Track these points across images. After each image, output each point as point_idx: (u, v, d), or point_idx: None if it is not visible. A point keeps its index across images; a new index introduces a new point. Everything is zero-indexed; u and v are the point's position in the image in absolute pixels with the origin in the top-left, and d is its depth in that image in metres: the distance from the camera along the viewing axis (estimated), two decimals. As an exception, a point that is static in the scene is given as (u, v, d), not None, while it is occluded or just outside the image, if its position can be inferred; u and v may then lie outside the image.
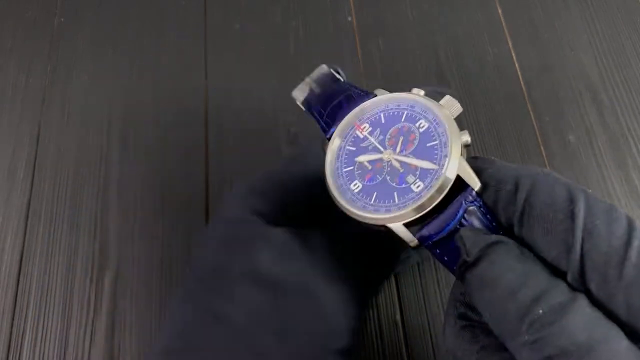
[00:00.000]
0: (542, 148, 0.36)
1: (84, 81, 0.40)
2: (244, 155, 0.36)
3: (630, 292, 0.16)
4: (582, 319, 0.16)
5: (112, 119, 0.39)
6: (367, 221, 0.21)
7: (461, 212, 0.19)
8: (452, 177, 0.20)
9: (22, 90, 0.40)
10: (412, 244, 0.20)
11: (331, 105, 0.24)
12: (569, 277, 0.17)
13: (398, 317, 0.31)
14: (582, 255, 0.17)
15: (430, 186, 0.20)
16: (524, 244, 0.19)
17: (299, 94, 0.26)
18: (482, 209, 0.19)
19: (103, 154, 0.37)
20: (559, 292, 0.17)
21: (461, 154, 0.20)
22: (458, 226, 0.19)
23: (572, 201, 0.18)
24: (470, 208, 0.19)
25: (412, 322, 0.31)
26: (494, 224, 0.19)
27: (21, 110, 0.39)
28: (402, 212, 0.20)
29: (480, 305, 0.18)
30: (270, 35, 0.41)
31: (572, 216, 0.17)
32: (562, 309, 0.16)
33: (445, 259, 0.20)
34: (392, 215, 0.20)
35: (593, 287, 0.17)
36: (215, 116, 0.38)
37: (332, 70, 0.26)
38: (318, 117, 0.24)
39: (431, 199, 0.19)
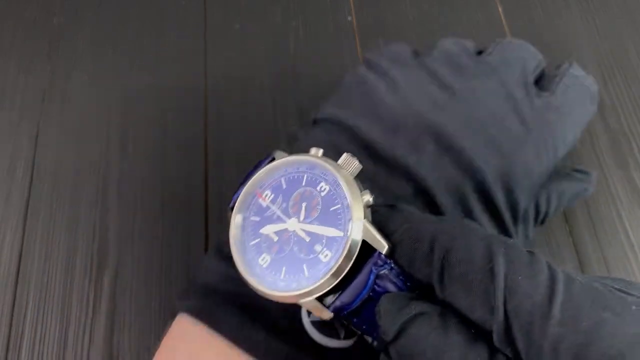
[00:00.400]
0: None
1: (84, 81, 0.40)
2: (244, 155, 0.36)
3: (556, 350, 0.15)
4: None
5: (111, 119, 0.38)
6: (278, 300, 0.20)
7: (372, 278, 0.19)
8: (359, 241, 0.19)
9: (21, 90, 0.40)
10: (326, 317, 0.19)
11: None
12: (495, 338, 0.17)
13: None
14: (505, 315, 0.16)
15: (339, 255, 0.19)
16: (446, 304, 0.18)
17: None
18: (393, 270, 0.19)
19: (102, 154, 0.37)
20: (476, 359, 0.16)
21: (364, 216, 0.19)
22: (371, 293, 0.19)
23: (490, 259, 0.17)
24: (382, 272, 0.19)
25: None
26: (408, 284, 0.19)
27: (21, 110, 0.39)
28: (314, 286, 0.19)
29: None
30: (270, 35, 0.41)
31: (491, 275, 0.17)
32: None
33: (364, 327, 0.19)
34: (303, 290, 0.19)
35: (520, 346, 0.16)
36: (215, 116, 0.38)
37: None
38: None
39: (340, 268, 0.19)
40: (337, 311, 0.19)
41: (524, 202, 0.26)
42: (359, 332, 0.20)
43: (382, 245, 0.19)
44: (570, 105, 0.28)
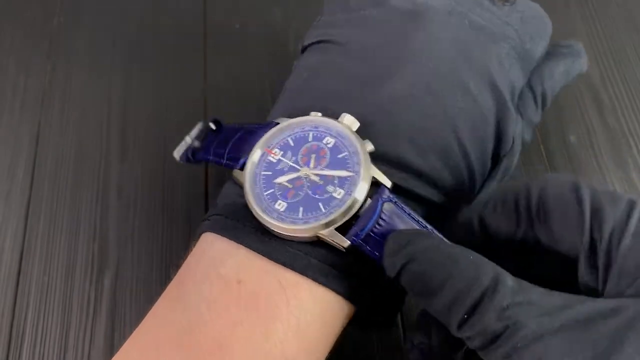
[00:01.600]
0: (542, 148, 0.36)
1: (84, 81, 0.40)
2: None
3: (624, 258, 0.17)
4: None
5: (111, 118, 0.38)
6: (300, 234, 0.21)
7: (379, 206, 0.21)
8: (369, 179, 0.22)
9: (21, 90, 0.40)
10: (344, 245, 0.21)
11: (232, 141, 0.25)
12: (581, 266, 0.19)
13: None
14: (591, 236, 0.18)
15: (351, 191, 0.21)
16: (532, 245, 0.20)
17: (177, 152, 0.29)
18: (397, 204, 0.22)
19: (103, 153, 0.37)
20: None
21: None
22: (380, 224, 0.21)
23: (578, 190, 0.19)
24: (387, 205, 0.21)
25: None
26: (415, 219, 0.22)
27: (20, 110, 0.39)
28: (331, 217, 0.21)
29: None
30: (270, 35, 0.41)
31: (579, 203, 0.19)
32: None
33: (377, 254, 0.21)
34: (322, 222, 0.21)
35: (600, 264, 0.18)
36: (215, 115, 0.38)
37: (211, 123, 0.28)
38: (216, 159, 0.25)
39: (354, 202, 0.21)
40: (354, 236, 0.21)
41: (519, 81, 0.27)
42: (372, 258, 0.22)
43: (387, 181, 0.22)
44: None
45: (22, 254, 0.34)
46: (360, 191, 0.21)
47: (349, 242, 0.21)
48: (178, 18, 0.42)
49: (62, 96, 0.40)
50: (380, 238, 0.21)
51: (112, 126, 0.38)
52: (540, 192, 0.20)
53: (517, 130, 0.27)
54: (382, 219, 0.21)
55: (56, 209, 0.36)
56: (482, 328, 0.17)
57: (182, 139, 0.37)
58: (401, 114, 0.24)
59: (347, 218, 0.21)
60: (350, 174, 0.22)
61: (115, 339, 0.31)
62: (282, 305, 0.20)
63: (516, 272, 0.18)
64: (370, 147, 0.22)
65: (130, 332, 0.23)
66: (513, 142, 0.26)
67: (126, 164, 0.37)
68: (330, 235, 0.21)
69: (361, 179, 0.21)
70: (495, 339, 0.17)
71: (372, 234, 0.21)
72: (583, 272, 0.19)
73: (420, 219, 0.22)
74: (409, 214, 0.22)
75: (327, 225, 0.21)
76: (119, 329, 0.32)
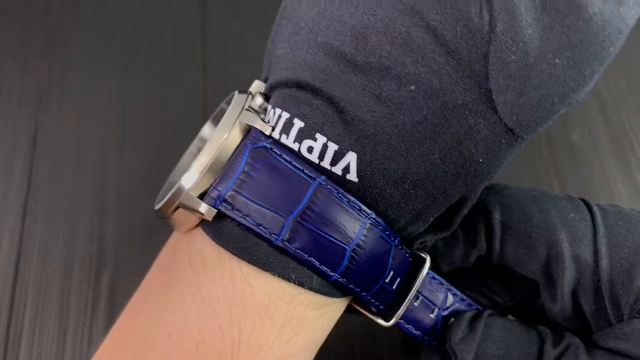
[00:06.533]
0: (545, 147, 0.35)
1: (82, 80, 0.40)
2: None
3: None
4: None
5: (110, 118, 0.38)
6: (163, 208, 0.19)
7: (245, 154, 0.18)
8: (229, 128, 0.18)
9: (18, 90, 0.40)
10: (200, 209, 0.18)
11: None
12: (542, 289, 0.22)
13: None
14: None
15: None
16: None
17: None
18: (272, 150, 0.18)
19: (101, 154, 0.37)
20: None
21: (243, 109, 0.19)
22: (247, 172, 0.18)
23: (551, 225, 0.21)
24: (256, 152, 0.18)
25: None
26: (297, 166, 0.18)
27: (18, 110, 0.39)
28: (185, 178, 0.18)
29: None
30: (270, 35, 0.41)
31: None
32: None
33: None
34: (178, 187, 0.18)
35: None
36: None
37: None
38: None
39: (211, 154, 0.18)
40: (214, 198, 0.18)
41: None
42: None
43: (263, 125, 0.19)
44: None
45: (20, 254, 0.34)
46: (214, 141, 0.18)
47: (207, 206, 0.18)
48: (177, 18, 0.42)
49: (59, 96, 0.39)
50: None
51: (111, 126, 0.38)
52: (502, 215, 0.21)
53: None
54: (247, 172, 0.18)
55: (54, 209, 0.35)
56: None
57: (180, 138, 0.37)
58: None
59: (206, 177, 0.18)
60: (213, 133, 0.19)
61: (114, 340, 0.31)
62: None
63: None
64: (257, 101, 0.19)
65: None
66: None
67: (125, 164, 0.36)
68: (186, 200, 0.18)
69: (217, 129, 0.18)
70: None
71: (243, 194, 0.18)
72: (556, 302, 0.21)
73: (302, 166, 0.18)
74: (289, 162, 0.18)
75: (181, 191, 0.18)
76: (118, 330, 0.31)
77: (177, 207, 0.19)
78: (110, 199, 0.35)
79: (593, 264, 0.19)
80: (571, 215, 0.20)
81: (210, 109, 0.38)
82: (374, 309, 0.20)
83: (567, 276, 0.20)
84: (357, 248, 0.18)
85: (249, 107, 0.19)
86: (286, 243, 0.18)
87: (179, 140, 0.37)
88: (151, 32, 0.41)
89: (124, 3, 0.43)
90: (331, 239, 0.18)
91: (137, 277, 0.33)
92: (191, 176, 0.18)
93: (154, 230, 0.34)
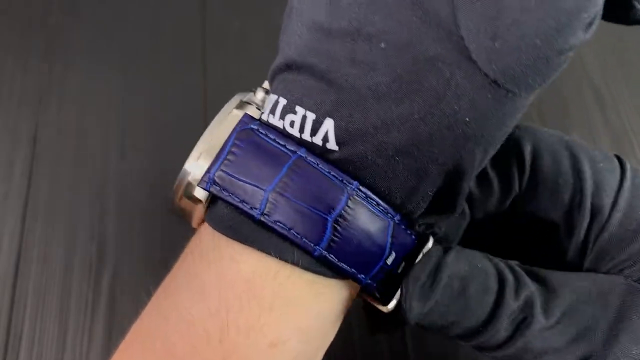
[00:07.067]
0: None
1: (81, 80, 0.40)
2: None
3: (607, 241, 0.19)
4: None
5: (110, 118, 0.38)
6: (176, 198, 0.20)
7: (232, 137, 0.19)
8: (232, 108, 0.20)
9: (18, 90, 0.40)
10: (196, 194, 0.19)
11: None
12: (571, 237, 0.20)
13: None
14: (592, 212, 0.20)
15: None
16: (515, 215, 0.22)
17: None
18: (258, 131, 0.19)
19: (101, 154, 0.37)
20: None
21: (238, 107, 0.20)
22: (234, 152, 0.18)
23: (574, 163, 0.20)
24: (242, 134, 0.19)
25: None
26: (280, 143, 0.18)
27: (18, 110, 0.39)
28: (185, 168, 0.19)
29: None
30: (270, 33, 0.41)
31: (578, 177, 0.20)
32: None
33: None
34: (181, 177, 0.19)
35: (591, 238, 0.20)
36: (214, 115, 0.38)
37: None
38: None
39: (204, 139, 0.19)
40: (205, 181, 0.19)
41: None
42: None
43: (251, 108, 0.20)
44: None
45: (20, 254, 0.34)
46: (208, 130, 0.19)
47: (201, 190, 0.19)
48: (177, 18, 0.42)
49: (59, 96, 0.39)
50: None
51: (111, 126, 0.38)
52: (533, 158, 0.21)
53: None
54: (232, 152, 0.18)
55: (54, 209, 0.35)
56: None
57: (181, 138, 0.37)
58: None
59: (201, 164, 0.19)
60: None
61: (113, 339, 0.31)
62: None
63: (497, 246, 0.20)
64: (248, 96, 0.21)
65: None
66: None
67: (125, 164, 0.36)
68: (184, 187, 0.19)
69: (213, 120, 0.20)
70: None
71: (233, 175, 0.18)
72: (570, 247, 0.20)
73: (286, 143, 0.18)
74: (273, 140, 0.18)
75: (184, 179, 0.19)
76: (118, 329, 0.31)
77: (181, 198, 0.20)
78: (110, 199, 0.35)
79: (607, 215, 0.19)
80: (601, 164, 0.20)
81: (210, 109, 0.38)
82: (377, 295, 0.20)
83: (585, 225, 0.20)
84: (339, 219, 0.18)
85: (248, 100, 0.20)
86: (266, 216, 0.18)
87: (179, 140, 0.37)
88: (151, 32, 0.41)
89: (124, 3, 0.43)
90: (310, 209, 0.18)
91: (137, 277, 0.33)
92: (187, 164, 0.19)
93: (154, 230, 0.34)
